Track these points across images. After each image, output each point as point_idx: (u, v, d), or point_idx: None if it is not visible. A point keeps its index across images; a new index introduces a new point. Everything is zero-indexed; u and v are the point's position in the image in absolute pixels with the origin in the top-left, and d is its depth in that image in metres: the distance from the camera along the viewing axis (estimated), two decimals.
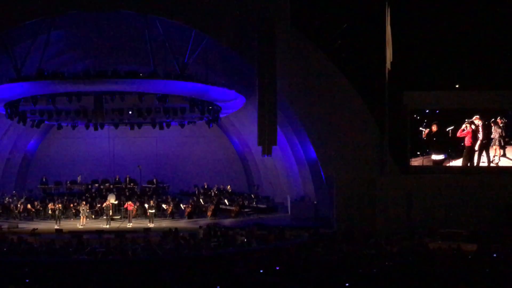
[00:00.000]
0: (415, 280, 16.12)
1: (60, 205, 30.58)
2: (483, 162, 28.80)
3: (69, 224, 29.72)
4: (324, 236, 25.91)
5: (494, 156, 28.73)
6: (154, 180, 37.09)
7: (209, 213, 32.41)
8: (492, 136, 28.65)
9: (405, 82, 29.37)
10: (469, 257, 19.87)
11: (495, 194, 28.10)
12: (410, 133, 28.89)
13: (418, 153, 29.09)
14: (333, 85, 29.13)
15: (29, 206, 32.01)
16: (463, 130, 28.61)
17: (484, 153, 28.78)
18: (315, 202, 31.99)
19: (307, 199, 32.94)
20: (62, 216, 30.34)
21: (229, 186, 37.67)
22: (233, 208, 33.28)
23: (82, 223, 29.70)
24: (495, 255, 20.01)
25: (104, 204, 30.80)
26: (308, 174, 32.05)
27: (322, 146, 29.33)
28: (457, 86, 30.66)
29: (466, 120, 28.56)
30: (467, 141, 28.72)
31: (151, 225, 29.36)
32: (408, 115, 28.82)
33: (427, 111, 28.88)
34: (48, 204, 31.39)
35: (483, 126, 28.59)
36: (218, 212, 32.96)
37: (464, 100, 28.87)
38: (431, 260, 19.10)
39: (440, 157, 29.02)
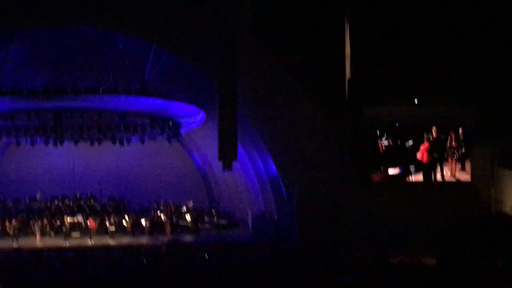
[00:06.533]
0: None
1: (17, 223, 30.14)
2: (442, 176, 29.13)
3: (27, 242, 29.27)
4: (285, 251, 25.97)
5: (450, 170, 29.07)
6: (114, 197, 36.78)
7: (167, 230, 32.19)
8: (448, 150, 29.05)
9: (365, 97, 29.57)
10: (429, 270, 20.06)
11: (454, 207, 28.43)
12: (370, 147, 29.11)
13: (378, 167, 29.29)
14: (294, 100, 29.19)
15: None
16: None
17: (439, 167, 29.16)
18: (276, 218, 31.99)
19: (268, 215, 32.91)
20: (20, 234, 29.89)
21: (191, 202, 37.45)
22: (189, 224, 33.10)
23: (39, 240, 29.25)
24: (454, 268, 20.24)
25: (65, 221, 30.43)
26: (269, 189, 32.06)
27: (282, 161, 29.36)
28: (415, 101, 30.96)
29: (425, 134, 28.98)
30: (425, 158, 29.10)
31: (111, 242, 29.07)
32: (368, 129, 29.05)
33: (386, 125, 29.17)
34: (5, 222, 30.88)
35: (437, 140, 28.95)
36: (178, 228, 32.74)
37: (422, 115, 29.21)
38: (393, 274, 19.25)
39: (396, 171, 29.26)
